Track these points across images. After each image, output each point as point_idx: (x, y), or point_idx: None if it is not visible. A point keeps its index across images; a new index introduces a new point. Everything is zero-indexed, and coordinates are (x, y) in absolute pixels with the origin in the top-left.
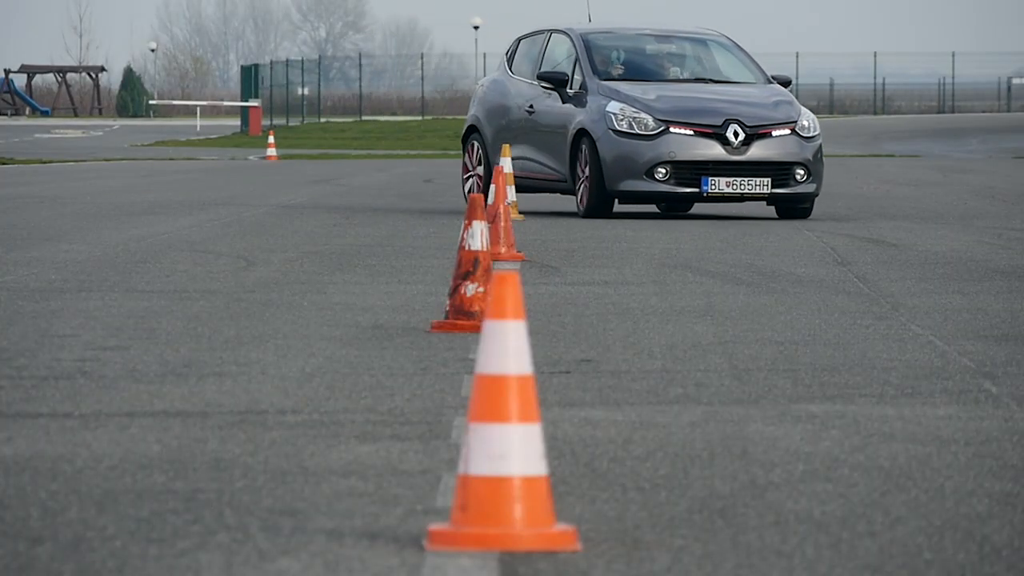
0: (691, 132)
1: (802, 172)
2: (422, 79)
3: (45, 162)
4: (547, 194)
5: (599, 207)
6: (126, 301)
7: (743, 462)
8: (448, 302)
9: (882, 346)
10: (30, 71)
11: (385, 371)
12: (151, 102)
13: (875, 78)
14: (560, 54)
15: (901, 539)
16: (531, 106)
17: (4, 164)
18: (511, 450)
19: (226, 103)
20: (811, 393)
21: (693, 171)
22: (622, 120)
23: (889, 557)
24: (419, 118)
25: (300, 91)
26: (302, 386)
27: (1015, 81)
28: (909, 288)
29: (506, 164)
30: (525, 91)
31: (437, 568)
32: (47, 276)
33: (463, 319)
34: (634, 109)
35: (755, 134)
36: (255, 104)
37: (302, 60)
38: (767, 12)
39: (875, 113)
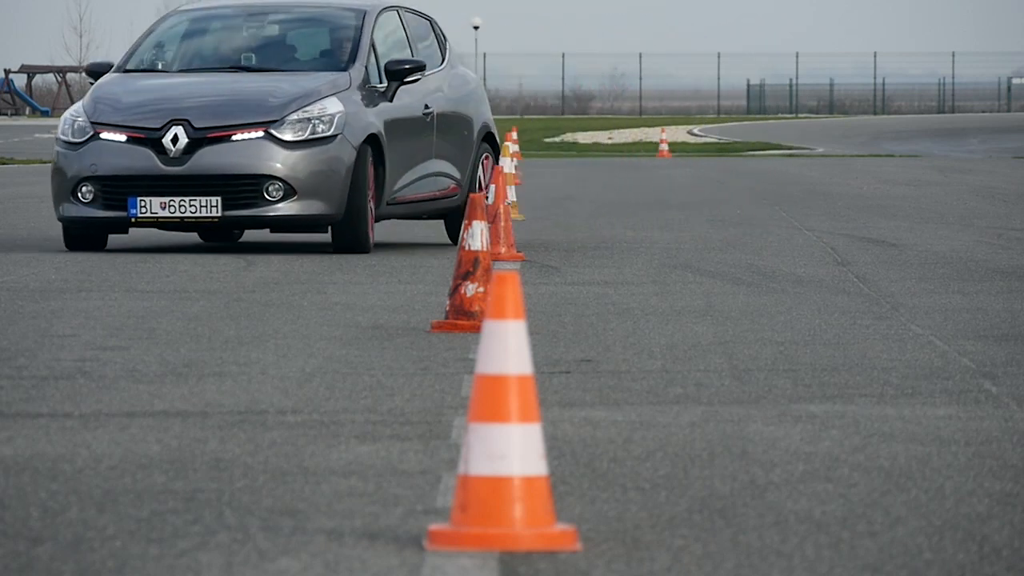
0: (124, 137)
1: (274, 188)
2: None
3: (45, 162)
4: None
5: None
6: (126, 301)
7: (743, 462)
8: (448, 302)
9: (882, 346)
10: (30, 71)
11: (385, 371)
12: None
13: (875, 78)
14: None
15: (901, 539)
16: None
17: (4, 164)
18: (511, 450)
19: None
20: (811, 393)
21: (120, 190)
22: (69, 125)
23: (889, 557)
24: None
25: None
26: (302, 386)
27: (1015, 81)
28: (909, 288)
29: (506, 164)
30: None
31: (437, 568)
32: (47, 276)
33: (463, 319)
34: (82, 111)
35: (204, 138)
36: None
37: None
38: (767, 12)
39: (875, 113)
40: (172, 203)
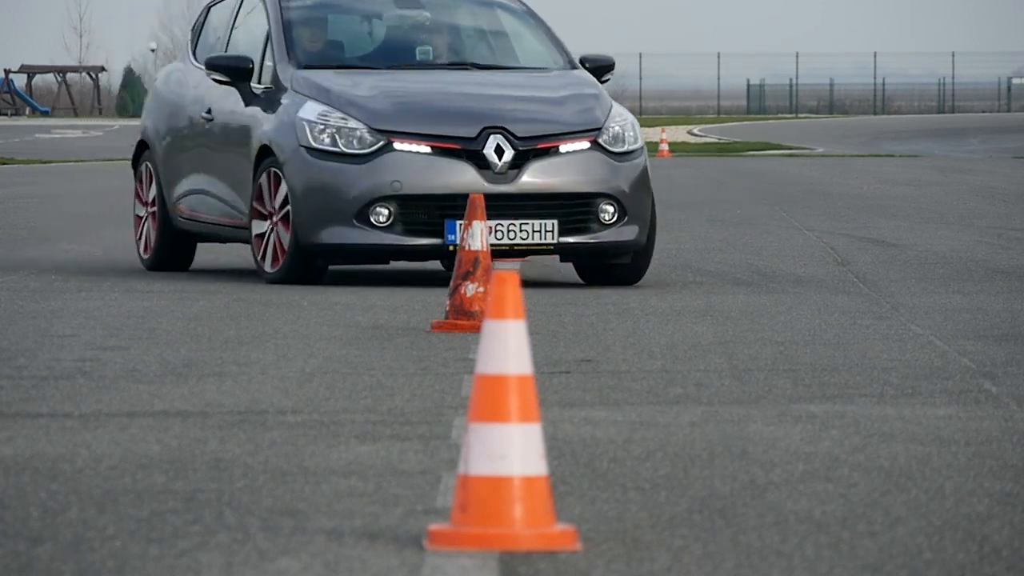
0: (428, 149)
1: (611, 209)
2: None
3: (45, 162)
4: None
5: (301, 270)
6: (126, 301)
7: (743, 462)
8: (448, 302)
9: (882, 346)
10: (30, 71)
11: (385, 371)
12: None
13: (875, 78)
14: (257, 28)
15: (901, 539)
16: (208, 110)
17: (4, 164)
18: (511, 450)
19: None
20: (811, 393)
21: (432, 211)
22: (323, 131)
23: (889, 557)
24: None
25: None
26: (302, 386)
27: (1015, 81)
28: (909, 288)
29: None
30: (203, 87)
31: (437, 568)
32: (47, 276)
33: (463, 319)
34: (342, 114)
35: (531, 150)
36: None
37: None
38: (767, 12)
39: (875, 113)
40: (501, 227)
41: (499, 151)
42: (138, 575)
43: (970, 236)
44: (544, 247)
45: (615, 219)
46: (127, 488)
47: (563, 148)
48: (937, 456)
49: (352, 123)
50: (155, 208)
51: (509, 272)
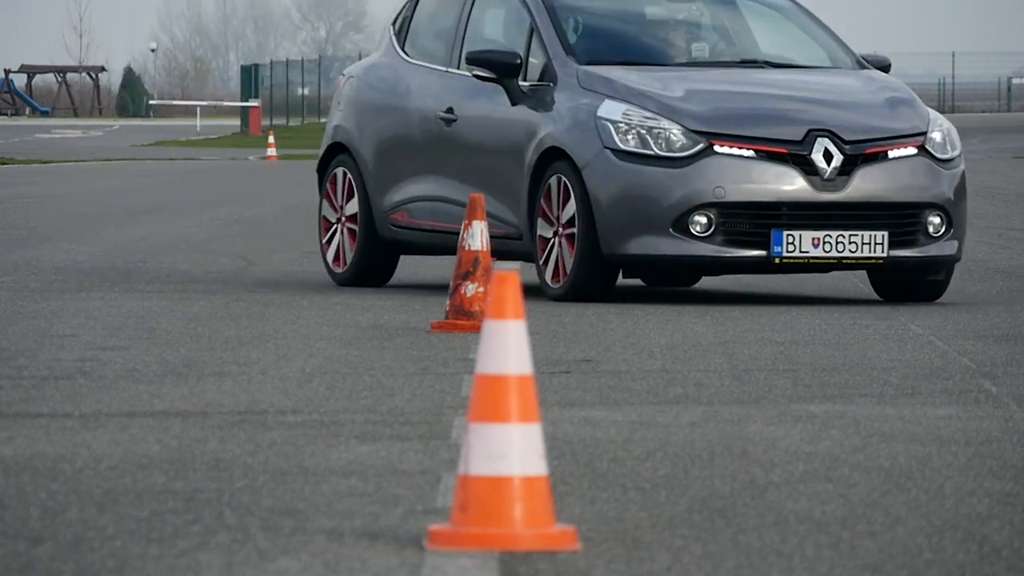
0: (751, 152)
1: (938, 220)
2: None
3: (45, 162)
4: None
5: (590, 283)
6: (126, 301)
7: (743, 462)
8: (448, 302)
9: (882, 346)
10: (30, 71)
11: (385, 371)
12: (151, 102)
13: None
14: (496, 22)
15: (901, 539)
16: (449, 109)
17: (4, 164)
18: (511, 450)
19: (226, 103)
20: (811, 393)
21: (756, 220)
22: (628, 132)
23: (889, 557)
24: None
25: (300, 91)
26: (302, 386)
27: (1015, 81)
28: None
29: None
30: (434, 85)
31: (437, 568)
32: (47, 276)
33: (463, 319)
34: (649, 113)
35: (860, 155)
36: (255, 104)
37: (302, 60)
38: None
39: None
40: (828, 239)
41: (827, 156)
42: (138, 575)
43: (970, 236)
44: (873, 261)
45: (941, 231)
46: (127, 488)
47: (892, 154)
48: (937, 456)
49: (664, 123)
50: (353, 217)
51: (509, 272)
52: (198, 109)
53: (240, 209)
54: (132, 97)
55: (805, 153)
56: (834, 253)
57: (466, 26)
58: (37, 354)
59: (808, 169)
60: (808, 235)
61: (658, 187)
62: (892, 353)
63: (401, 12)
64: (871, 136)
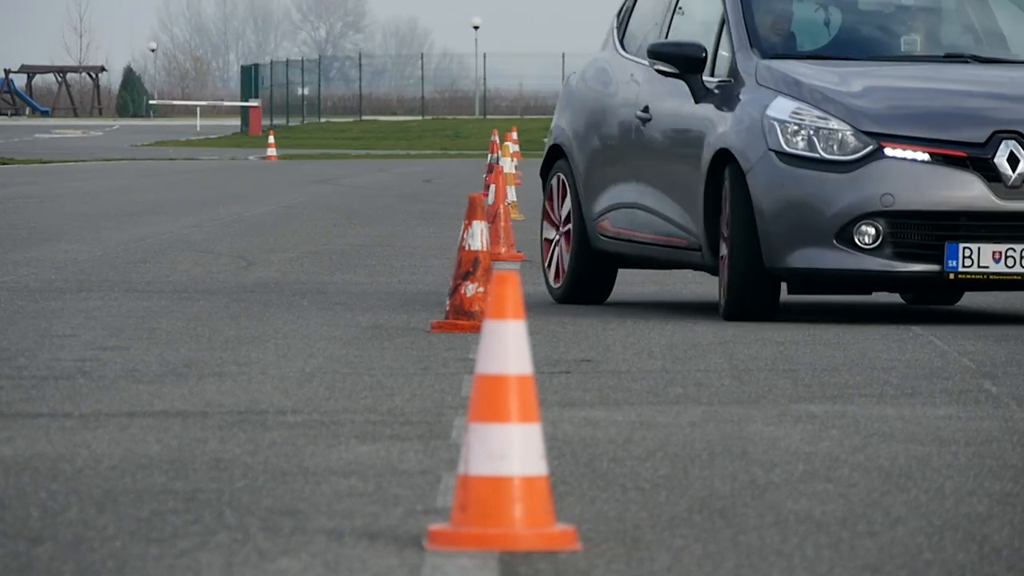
0: (926, 156)
1: None
2: (422, 79)
3: (45, 162)
4: (677, 271)
5: (750, 299)
6: (126, 301)
7: (743, 462)
8: (448, 302)
9: (882, 346)
10: (30, 71)
11: (385, 371)
12: (151, 102)
13: None
14: (705, 12)
15: (901, 539)
16: (645, 108)
17: (4, 164)
18: (511, 450)
19: (226, 103)
20: (811, 393)
21: (929, 232)
22: (797, 133)
23: (889, 557)
24: (419, 118)
25: (300, 91)
26: (302, 386)
27: None
28: None
29: (506, 164)
30: (636, 81)
31: (437, 568)
32: (47, 276)
33: (463, 319)
34: (820, 112)
35: None
36: (255, 104)
37: (302, 60)
38: None
39: None
40: (1012, 253)
41: (1013, 160)
42: (138, 575)
43: None
44: None
45: None
46: (127, 488)
47: None
48: (937, 456)
49: (833, 123)
50: (569, 227)
51: (509, 272)
52: (198, 109)
53: (240, 209)
54: (132, 97)
55: (987, 157)
56: (1019, 269)
57: (672, 16)
58: (37, 354)
59: (990, 175)
60: (988, 248)
61: (822, 194)
62: (892, 353)
63: (624, 2)
64: None
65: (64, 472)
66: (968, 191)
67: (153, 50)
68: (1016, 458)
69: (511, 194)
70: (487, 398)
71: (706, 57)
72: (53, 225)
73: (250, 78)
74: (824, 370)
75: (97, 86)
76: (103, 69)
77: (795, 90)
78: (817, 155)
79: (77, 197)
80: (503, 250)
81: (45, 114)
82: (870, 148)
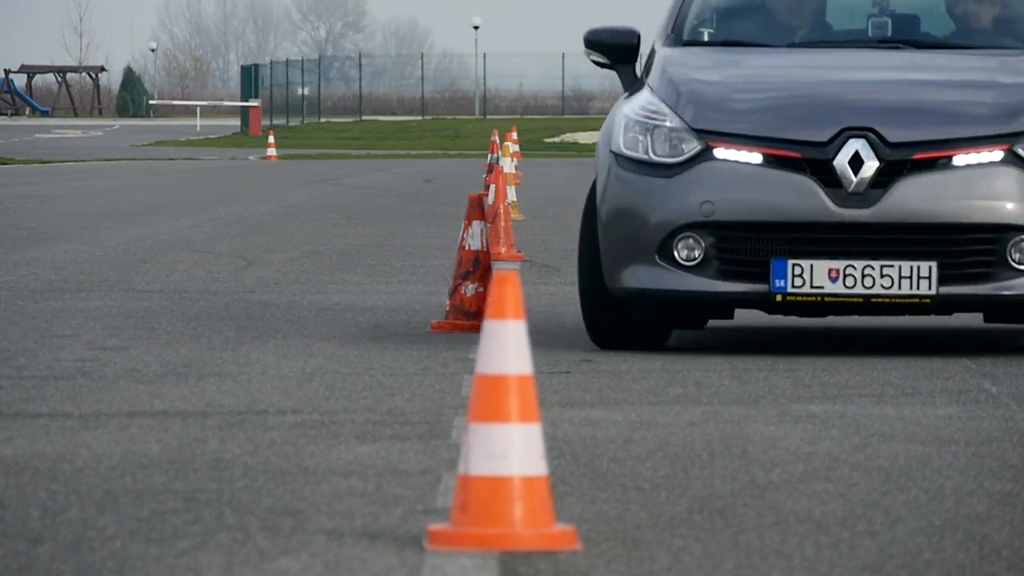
0: (758, 157)
1: None
2: (422, 79)
3: (45, 162)
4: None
5: (597, 324)
6: (126, 301)
7: (743, 462)
8: (448, 302)
9: (882, 346)
10: (30, 71)
11: (385, 371)
12: (151, 102)
13: None
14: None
15: (901, 539)
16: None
17: (4, 164)
18: (511, 450)
19: (226, 103)
20: (811, 393)
21: (756, 246)
22: (637, 132)
23: (889, 557)
24: (419, 118)
25: (300, 91)
26: (302, 386)
27: None
28: None
29: (506, 164)
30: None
31: (437, 568)
32: (47, 276)
33: (463, 319)
34: (664, 108)
35: (906, 161)
36: (255, 104)
37: (302, 60)
38: None
39: None
40: (851, 271)
41: (856, 163)
42: (138, 575)
43: None
44: (915, 299)
45: None
46: (127, 488)
47: (959, 159)
48: (937, 456)
49: (669, 120)
50: None
51: (509, 272)
52: (198, 109)
53: (240, 209)
54: (132, 97)
55: (827, 158)
56: (859, 289)
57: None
58: (37, 354)
59: (828, 180)
60: (823, 265)
61: (646, 203)
62: (892, 353)
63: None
64: (929, 137)
65: (64, 472)
66: (801, 199)
67: (153, 50)
68: (1016, 458)
69: (511, 194)
70: (487, 398)
71: (638, 45)
72: (53, 225)
73: (250, 78)
74: (824, 370)
75: (97, 86)
76: (103, 69)
77: (657, 82)
78: (646, 157)
79: (77, 197)
80: (503, 250)
81: (45, 114)
82: (697, 149)
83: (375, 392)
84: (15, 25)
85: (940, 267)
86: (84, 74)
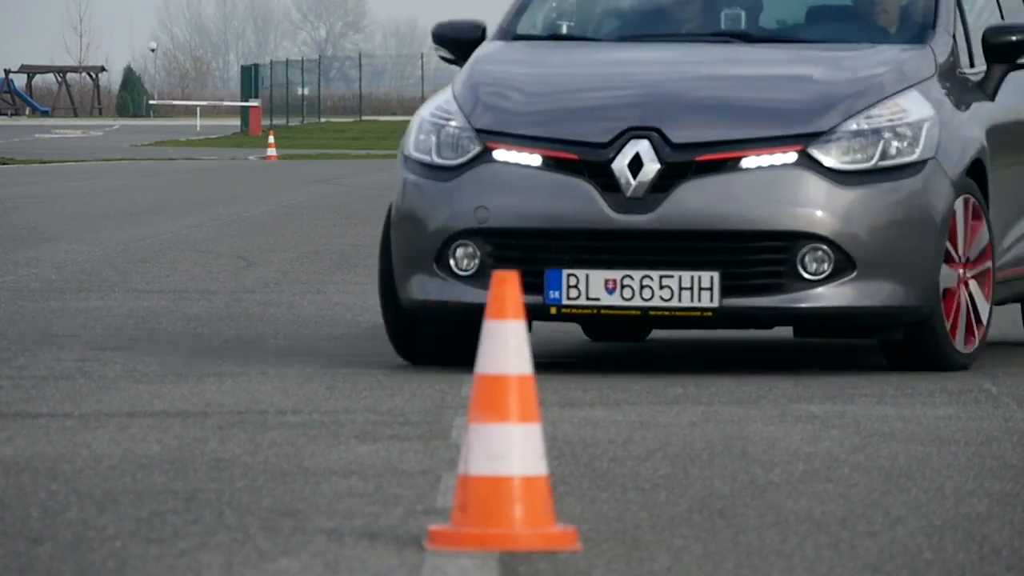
0: (538, 159)
1: (820, 256)
2: (422, 79)
3: (45, 162)
4: None
5: (399, 337)
6: (126, 301)
7: (743, 462)
8: None
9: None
10: (30, 71)
11: (385, 371)
12: (151, 102)
13: None
14: None
15: (901, 539)
16: None
17: (4, 164)
18: (511, 450)
19: (226, 103)
20: (811, 393)
21: (531, 255)
22: (426, 135)
23: (889, 557)
24: None
25: (300, 91)
26: (302, 386)
27: None
28: None
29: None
30: None
31: (437, 568)
32: (47, 276)
33: None
34: (455, 108)
35: (689, 164)
36: (255, 104)
37: (302, 60)
38: None
39: None
40: (629, 282)
41: (636, 165)
42: (138, 575)
43: None
44: (697, 312)
45: (830, 273)
46: (127, 488)
47: (748, 162)
48: (937, 456)
49: (456, 120)
50: None
51: (509, 272)
52: (198, 109)
53: (240, 209)
54: (132, 97)
55: (606, 160)
56: (637, 301)
57: None
58: (37, 354)
59: (607, 183)
60: (600, 275)
61: (426, 208)
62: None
63: None
64: (716, 138)
65: (64, 472)
66: (578, 204)
67: (153, 50)
68: (1016, 458)
69: None
70: (487, 398)
71: (483, 39)
72: (53, 225)
73: (250, 78)
74: (824, 370)
75: (97, 86)
76: (103, 69)
77: (460, 80)
78: (429, 159)
79: (77, 197)
80: None
81: (45, 114)
82: (477, 150)
83: (375, 392)
84: (15, 25)
85: (723, 277)
86: (84, 74)
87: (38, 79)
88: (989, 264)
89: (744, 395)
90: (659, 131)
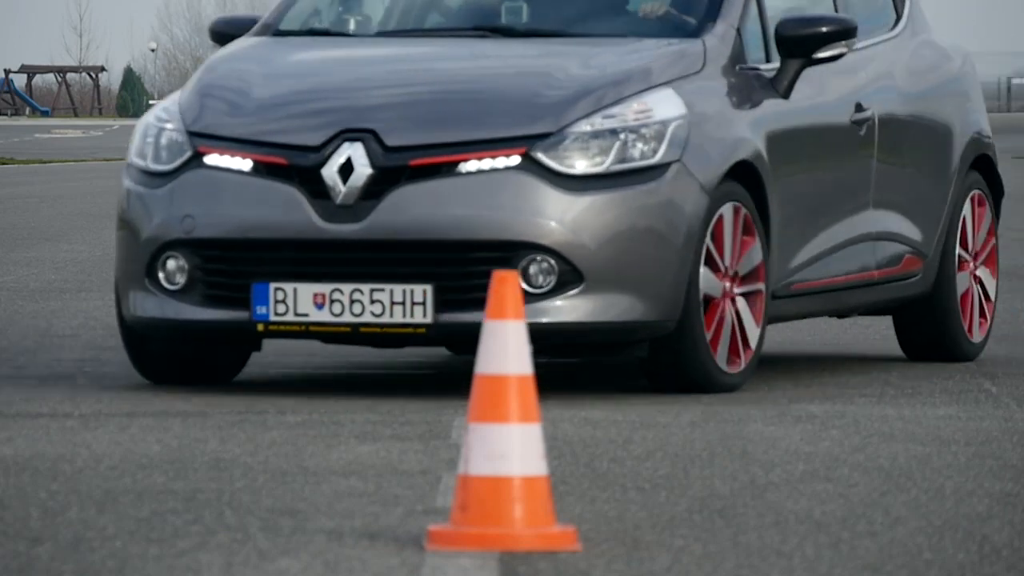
0: (248, 164)
1: (546, 268)
2: None
3: (45, 162)
4: None
5: (138, 355)
6: None
7: (743, 462)
8: None
9: (882, 346)
10: (30, 71)
11: (385, 371)
12: (151, 102)
13: None
14: None
15: (901, 539)
16: None
17: (4, 164)
18: (511, 450)
19: None
20: (811, 393)
21: (237, 267)
22: (146, 139)
23: (889, 557)
24: None
25: None
26: (302, 386)
27: (1015, 81)
28: None
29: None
30: None
31: (437, 568)
32: (47, 276)
33: None
34: (176, 111)
35: (403, 168)
36: None
37: None
38: None
39: None
40: (338, 296)
41: (346, 170)
42: (138, 575)
43: None
44: (410, 329)
45: (555, 286)
46: (127, 488)
47: (467, 165)
48: (937, 456)
49: (173, 123)
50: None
51: (509, 272)
52: None
53: None
54: (132, 97)
55: (316, 165)
56: (347, 317)
57: None
58: (37, 354)
59: (317, 190)
60: (308, 289)
61: (136, 218)
62: (892, 353)
63: None
64: (432, 140)
65: (64, 472)
66: (285, 213)
67: (153, 50)
68: (1016, 458)
69: None
70: (487, 398)
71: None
72: (53, 225)
73: None
74: (824, 370)
75: (97, 86)
76: (103, 69)
77: (191, 82)
78: (144, 165)
79: (77, 197)
80: None
81: (45, 114)
82: (188, 155)
83: (375, 392)
84: (15, 25)
85: (437, 291)
86: (84, 74)
87: (38, 79)
88: (762, 287)
89: (744, 395)
90: (374, 133)
